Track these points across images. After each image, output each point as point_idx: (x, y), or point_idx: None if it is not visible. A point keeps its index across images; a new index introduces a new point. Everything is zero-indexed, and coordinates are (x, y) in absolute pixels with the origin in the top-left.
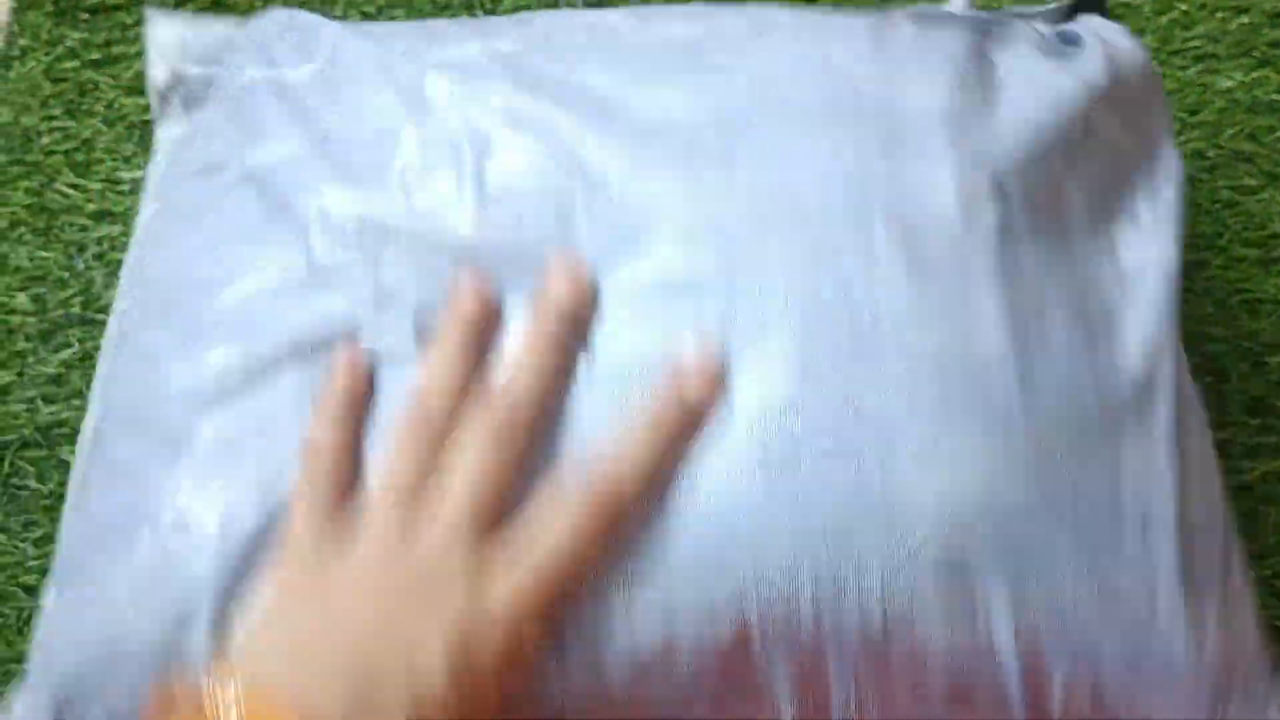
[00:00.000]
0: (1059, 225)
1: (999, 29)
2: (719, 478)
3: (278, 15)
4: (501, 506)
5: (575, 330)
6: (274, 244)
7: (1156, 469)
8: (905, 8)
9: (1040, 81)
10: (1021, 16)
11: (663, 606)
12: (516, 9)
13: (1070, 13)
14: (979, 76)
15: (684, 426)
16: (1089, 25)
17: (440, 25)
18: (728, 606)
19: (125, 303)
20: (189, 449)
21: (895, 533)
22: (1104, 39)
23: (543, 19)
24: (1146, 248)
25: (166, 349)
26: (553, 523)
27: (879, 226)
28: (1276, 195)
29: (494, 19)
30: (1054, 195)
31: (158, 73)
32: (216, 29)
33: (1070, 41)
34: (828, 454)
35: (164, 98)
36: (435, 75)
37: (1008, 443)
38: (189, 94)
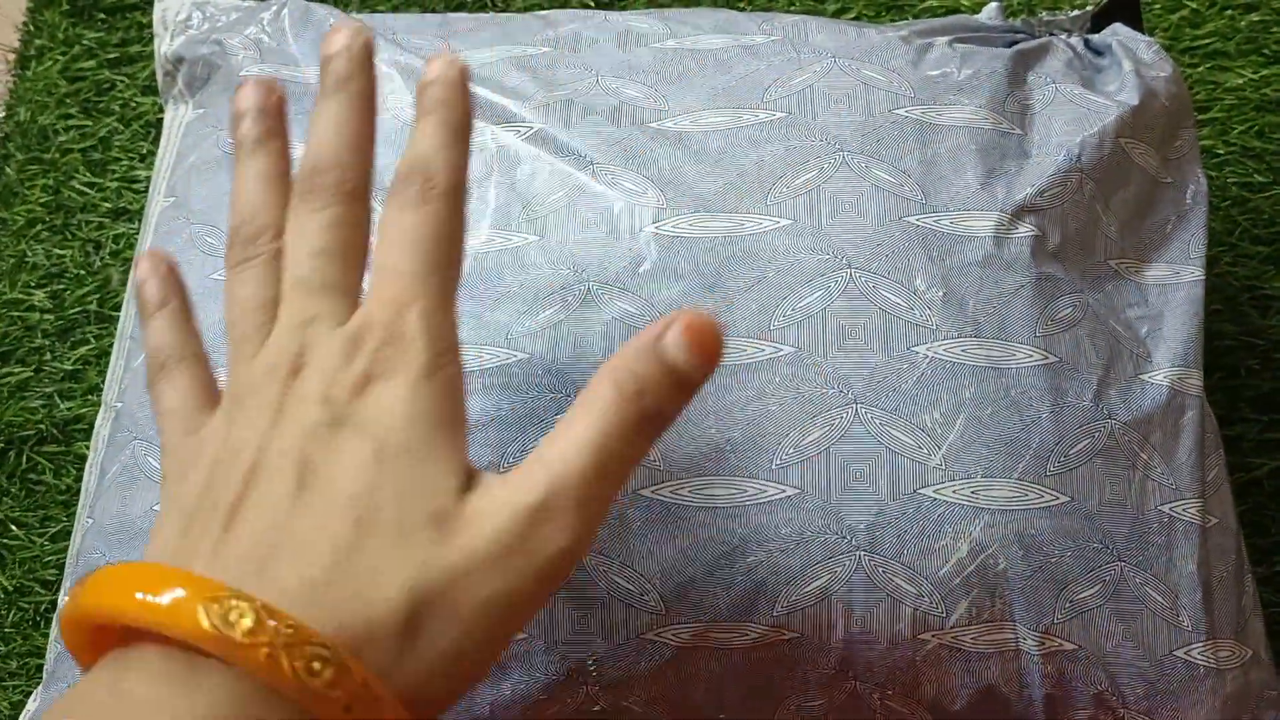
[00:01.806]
0: (1090, 248)
1: (1034, 48)
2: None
3: (293, 7)
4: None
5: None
6: None
7: (1180, 482)
8: (941, 19)
9: (1074, 106)
10: (1053, 26)
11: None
12: (529, 8)
13: (1100, 20)
14: (1015, 100)
15: None
16: (1120, 38)
17: (463, 23)
18: (764, 606)
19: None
20: None
21: (927, 539)
22: (1135, 55)
23: (568, 22)
24: (1174, 270)
25: None
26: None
27: (918, 253)
28: None
29: (518, 18)
30: (1087, 220)
31: (162, 47)
32: (223, 10)
33: (1098, 52)
34: (863, 462)
35: (168, 74)
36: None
37: (1036, 460)
38: (192, 74)
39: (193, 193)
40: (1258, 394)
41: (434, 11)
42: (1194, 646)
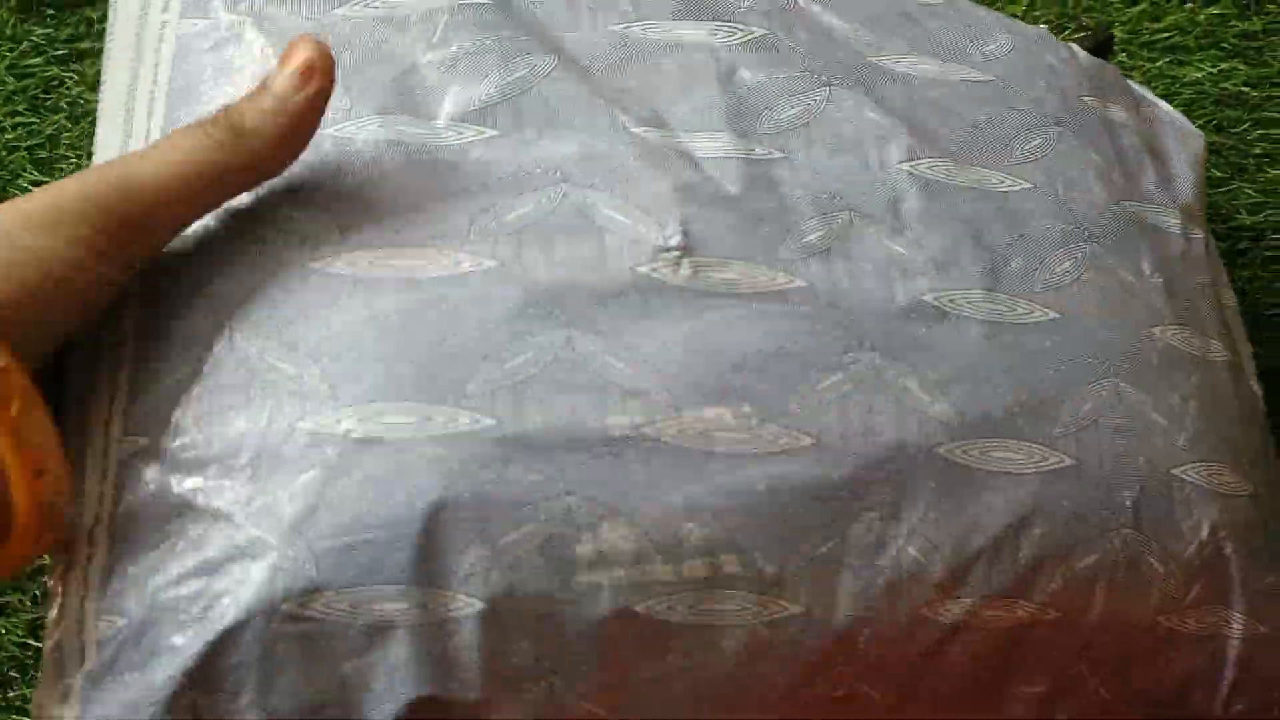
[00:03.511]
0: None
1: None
2: None
3: None
4: None
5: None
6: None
7: None
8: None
9: (1174, 126)
10: None
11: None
12: None
13: None
14: (1139, 110)
15: None
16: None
17: None
18: (1041, 582)
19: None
20: None
21: (1177, 520)
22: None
23: None
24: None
25: None
26: None
27: (1138, 238)
28: (1243, 188)
29: None
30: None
31: None
32: None
33: None
34: (1126, 437)
35: None
36: None
37: (1239, 450)
38: None
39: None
40: None
41: None
42: None
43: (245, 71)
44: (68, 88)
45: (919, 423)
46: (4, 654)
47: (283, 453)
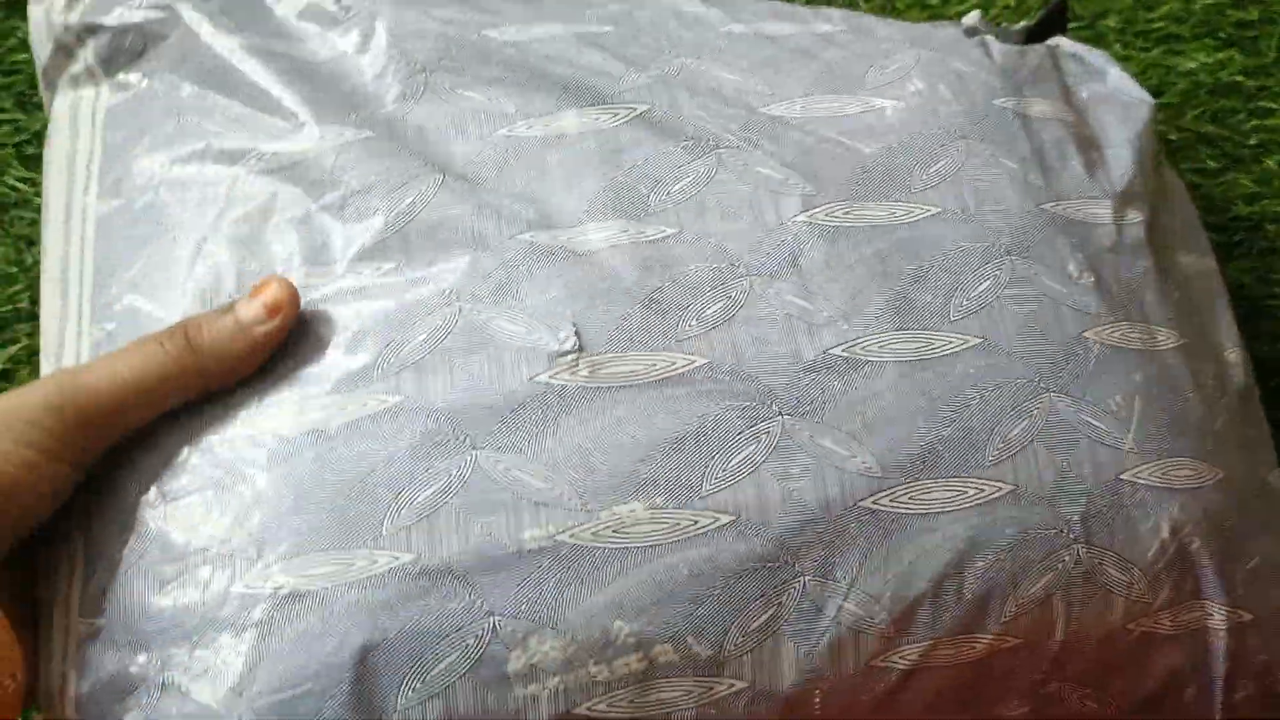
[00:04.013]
0: (1166, 235)
1: (1057, 48)
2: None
3: None
4: None
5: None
6: (357, 255)
7: (1268, 447)
8: (948, 21)
9: (1116, 103)
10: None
11: None
12: None
13: (1035, 35)
14: (1075, 96)
15: None
16: (1074, 47)
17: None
18: (993, 613)
19: (108, 327)
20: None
21: (1133, 526)
22: (1106, 60)
23: (607, 2)
24: (1195, 257)
25: None
26: None
27: (1063, 239)
28: (1239, 178)
29: None
30: (1158, 209)
31: (56, 17)
32: None
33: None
34: (1067, 451)
35: (63, 49)
36: (528, 58)
37: (1197, 438)
38: (116, 47)
39: (161, 195)
40: None
41: None
42: None
43: (161, 257)
44: None
45: (839, 480)
46: None
47: (219, 618)
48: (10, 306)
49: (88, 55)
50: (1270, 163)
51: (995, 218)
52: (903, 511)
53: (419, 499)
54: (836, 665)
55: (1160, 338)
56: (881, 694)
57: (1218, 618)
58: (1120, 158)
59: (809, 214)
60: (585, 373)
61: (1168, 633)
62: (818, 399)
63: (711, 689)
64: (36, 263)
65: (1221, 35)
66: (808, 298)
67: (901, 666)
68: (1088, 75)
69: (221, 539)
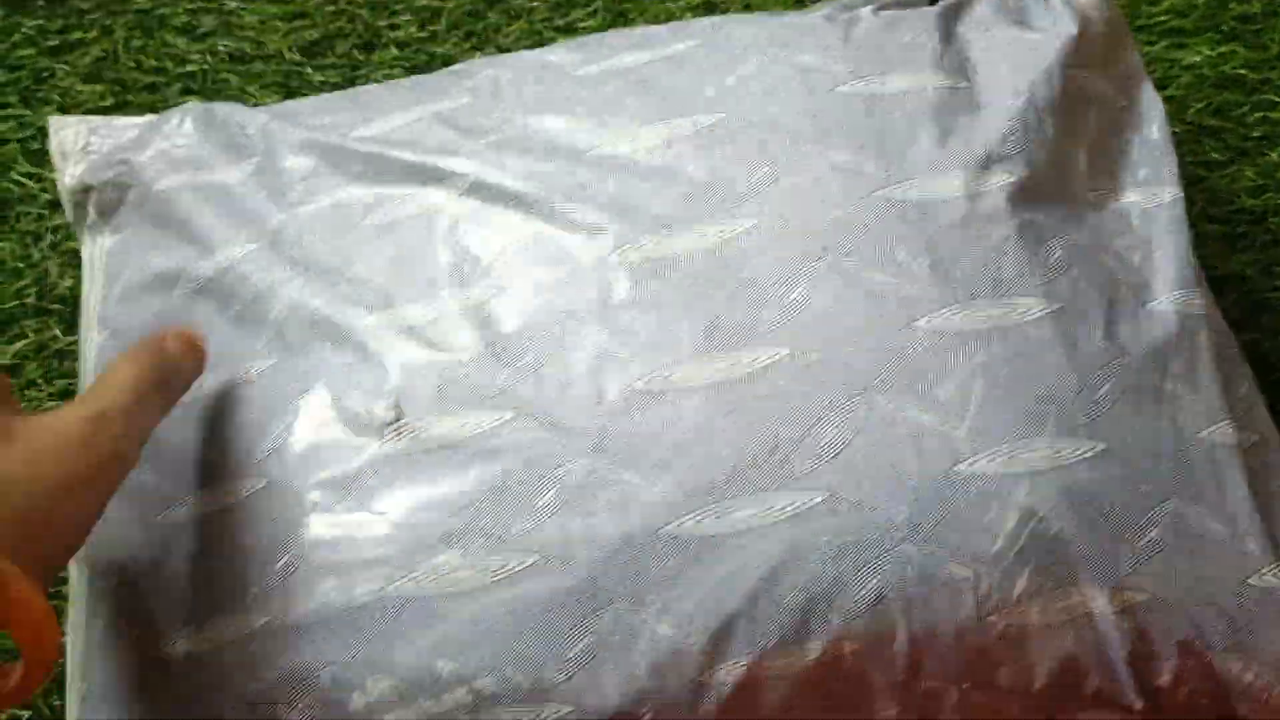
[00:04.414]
0: (1065, 185)
1: (959, 1)
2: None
3: (195, 113)
4: None
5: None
6: (245, 353)
7: (1211, 405)
8: None
9: (1016, 48)
10: None
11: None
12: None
13: None
14: (952, 55)
15: None
16: None
17: (370, 94)
18: (818, 622)
19: None
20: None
21: (972, 518)
22: None
23: (483, 69)
24: (1152, 193)
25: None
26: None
27: (895, 226)
28: (1243, 171)
29: (429, 79)
30: (1054, 157)
31: (65, 179)
32: (122, 129)
33: None
34: (887, 451)
35: (78, 205)
36: (385, 150)
37: (1064, 411)
38: (103, 201)
39: (127, 322)
40: None
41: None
42: (1266, 570)
43: None
44: (59, 79)
45: (639, 510)
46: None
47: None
48: (17, 302)
49: (92, 210)
50: (1274, 155)
51: (815, 218)
52: (711, 533)
53: (277, 566)
54: (661, 685)
55: (1019, 309)
56: (717, 709)
57: (1101, 602)
58: (995, 113)
59: (620, 251)
60: (408, 440)
61: (1042, 622)
62: (622, 434)
63: (539, 715)
64: (44, 258)
65: (1224, 29)
66: (616, 336)
67: (730, 681)
68: (999, 20)
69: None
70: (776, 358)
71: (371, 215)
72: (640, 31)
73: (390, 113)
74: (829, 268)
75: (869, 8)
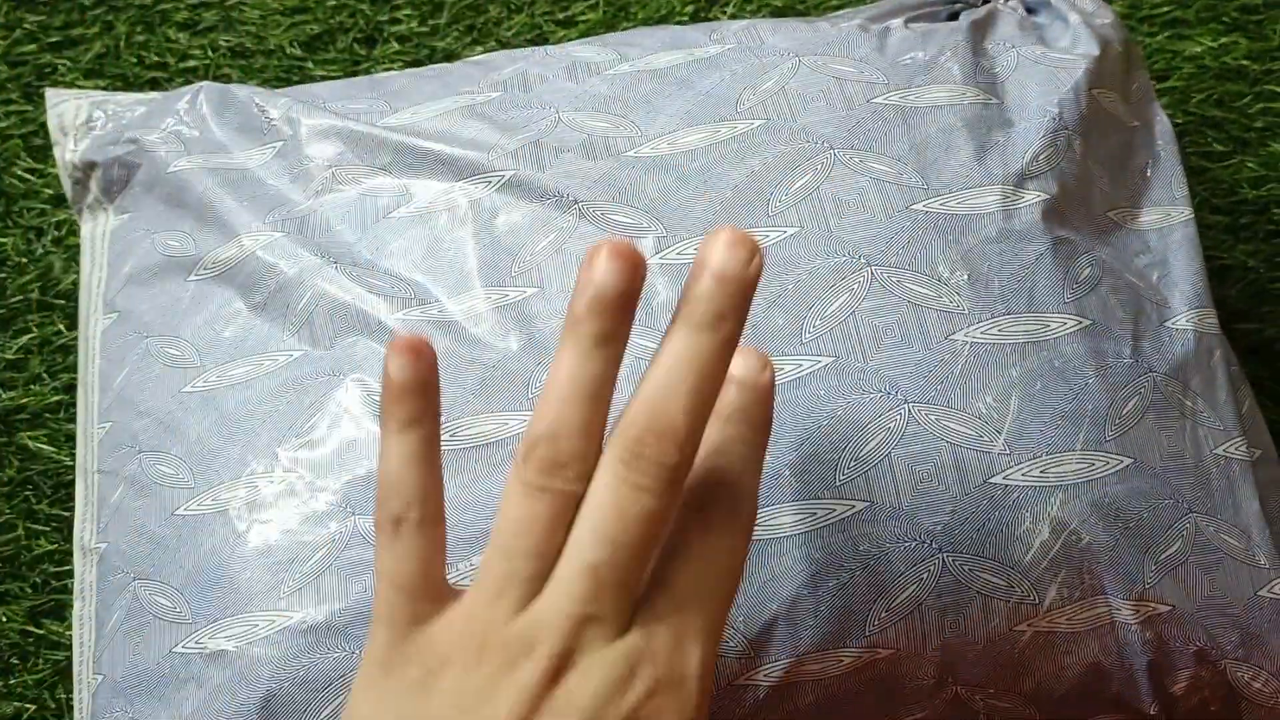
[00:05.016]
0: (1090, 204)
1: (984, 16)
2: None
3: (210, 93)
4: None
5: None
6: (270, 343)
7: (1226, 421)
8: (887, 1)
9: (1041, 67)
10: None
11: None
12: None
13: None
14: (983, 71)
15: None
16: None
17: (395, 81)
18: (855, 628)
19: (105, 426)
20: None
21: (1007, 529)
22: (1076, 7)
23: (508, 64)
24: (1165, 213)
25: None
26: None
27: (934, 239)
28: (1245, 161)
29: (453, 68)
30: (1082, 176)
31: (65, 154)
32: (128, 106)
33: (1031, 10)
34: (927, 462)
35: (78, 182)
36: (416, 141)
37: (1095, 426)
38: (109, 179)
39: (138, 305)
40: None
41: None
42: (1276, 583)
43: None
44: (61, 74)
45: None
46: (5, 641)
47: (164, 673)
48: (21, 297)
49: (94, 187)
50: (1276, 146)
51: (856, 230)
52: (755, 537)
53: (308, 565)
54: None
55: (1053, 325)
56: (752, 710)
57: (1125, 613)
58: (1028, 131)
59: (660, 256)
60: (447, 438)
61: (1069, 631)
62: None
63: None
64: (47, 253)
65: (1226, 19)
66: (656, 339)
67: (767, 684)
68: (1024, 38)
69: (168, 606)
70: (820, 366)
71: (403, 206)
72: (669, 32)
73: (419, 102)
74: (870, 278)
75: (898, 19)
